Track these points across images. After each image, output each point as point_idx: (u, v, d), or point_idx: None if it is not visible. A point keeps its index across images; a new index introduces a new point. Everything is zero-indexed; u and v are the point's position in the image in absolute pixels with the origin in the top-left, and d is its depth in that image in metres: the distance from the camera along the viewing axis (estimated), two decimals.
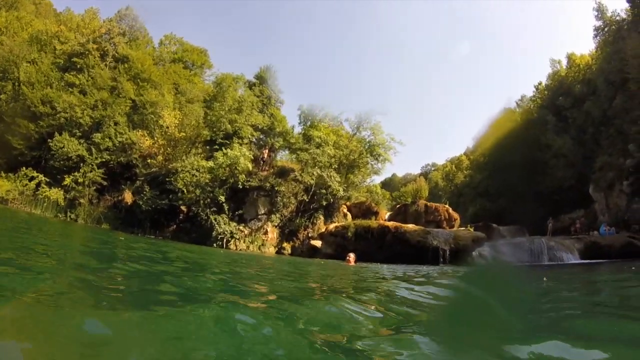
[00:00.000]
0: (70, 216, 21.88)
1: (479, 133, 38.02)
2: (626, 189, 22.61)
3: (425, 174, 63.27)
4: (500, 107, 41.48)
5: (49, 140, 22.64)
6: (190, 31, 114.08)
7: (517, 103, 36.23)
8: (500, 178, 28.43)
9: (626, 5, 26.32)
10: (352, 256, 14.00)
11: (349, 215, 22.40)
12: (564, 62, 32.65)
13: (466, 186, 35.98)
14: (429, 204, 23.78)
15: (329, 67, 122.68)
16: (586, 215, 25.15)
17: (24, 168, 22.33)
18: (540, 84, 34.27)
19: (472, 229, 20.99)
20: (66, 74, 24.51)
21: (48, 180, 22.33)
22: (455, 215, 23.22)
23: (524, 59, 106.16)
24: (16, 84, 24.03)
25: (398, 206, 25.49)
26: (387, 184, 57.46)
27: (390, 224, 20.04)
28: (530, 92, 36.19)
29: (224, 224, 19.65)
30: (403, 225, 19.76)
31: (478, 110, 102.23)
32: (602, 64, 26.43)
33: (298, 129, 26.62)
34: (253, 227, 20.33)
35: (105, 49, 25.54)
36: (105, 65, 25.39)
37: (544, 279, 9.74)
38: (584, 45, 76.04)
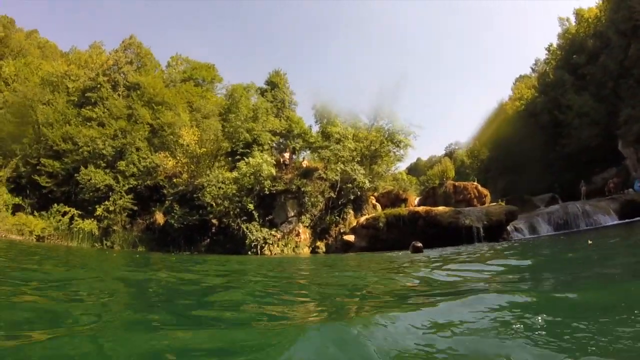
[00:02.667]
0: (106, 244, 22.41)
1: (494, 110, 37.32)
2: None
3: (450, 154, 61.14)
4: (516, 75, 40.67)
5: (75, 174, 23.29)
6: (192, 45, 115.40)
7: (532, 68, 35.30)
8: (525, 147, 27.62)
9: None
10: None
11: (379, 206, 22.26)
12: (573, 19, 31.42)
13: (493, 161, 34.83)
14: (457, 183, 23.42)
15: (339, 61, 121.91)
16: (618, 174, 24.29)
17: (56, 204, 23.00)
18: (551, 45, 33.13)
19: (503, 203, 20.53)
20: (82, 109, 25.21)
21: (80, 212, 22.94)
22: (485, 191, 22.79)
23: (532, 23, 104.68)
24: (36, 126, 24.82)
25: (426, 190, 25.19)
26: (412, 170, 56.64)
27: (421, 208, 19.83)
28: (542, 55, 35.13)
29: (256, 231, 19.82)
30: (433, 208, 19.53)
31: (493, 84, 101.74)
32: (610, 15, 25.38)
33: (316, 128, 26.71)
34: (285, 231, 20.42)
35: (116, 79, 26.15)
36: (119, 95, 25.99)
37: (589, 241, 9.55)
38: None
